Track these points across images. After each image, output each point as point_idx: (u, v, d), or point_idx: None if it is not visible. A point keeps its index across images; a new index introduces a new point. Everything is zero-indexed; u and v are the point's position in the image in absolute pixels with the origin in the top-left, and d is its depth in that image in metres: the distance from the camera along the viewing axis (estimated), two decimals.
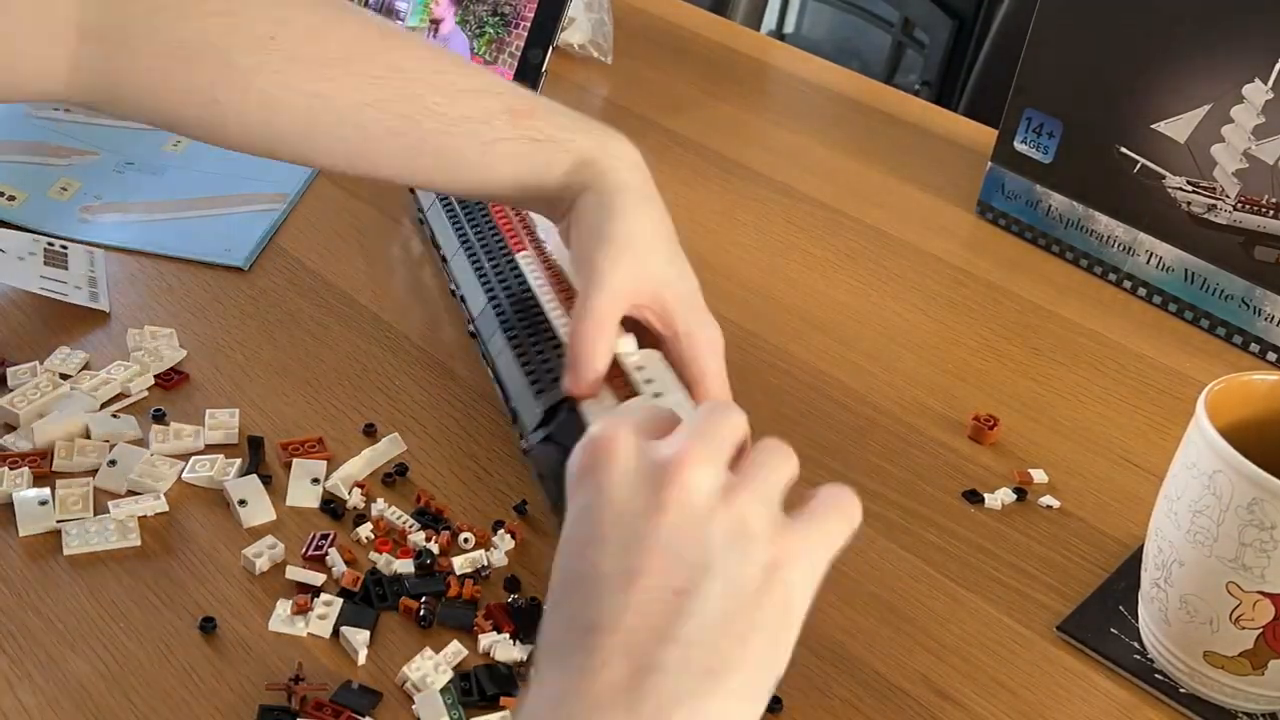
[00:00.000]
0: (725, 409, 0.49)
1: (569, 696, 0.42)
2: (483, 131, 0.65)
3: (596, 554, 0.44)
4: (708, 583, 0.43)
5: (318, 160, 0.67)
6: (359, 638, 0.62)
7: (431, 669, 0.60)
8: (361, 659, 0.61)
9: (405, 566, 0.66)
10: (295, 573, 0.65)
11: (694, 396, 0.62)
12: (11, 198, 0.94)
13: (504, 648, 0.62)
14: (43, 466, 0.70)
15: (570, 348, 0.62)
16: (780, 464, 0.48)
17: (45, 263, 0.85)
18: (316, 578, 0.65)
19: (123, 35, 0.62)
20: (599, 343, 0.62)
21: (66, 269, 0.85)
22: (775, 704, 0.62)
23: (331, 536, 0.67)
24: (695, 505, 0.45)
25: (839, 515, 0.48)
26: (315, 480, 0.71)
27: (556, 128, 0.66)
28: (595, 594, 0.43)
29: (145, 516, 0.68)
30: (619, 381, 0.62)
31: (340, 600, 0.64)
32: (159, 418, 0.75)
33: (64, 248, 0.87)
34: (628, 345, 0.64)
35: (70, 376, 0.76)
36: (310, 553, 0.67)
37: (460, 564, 0.67)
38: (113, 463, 0.70)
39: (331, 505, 0.70)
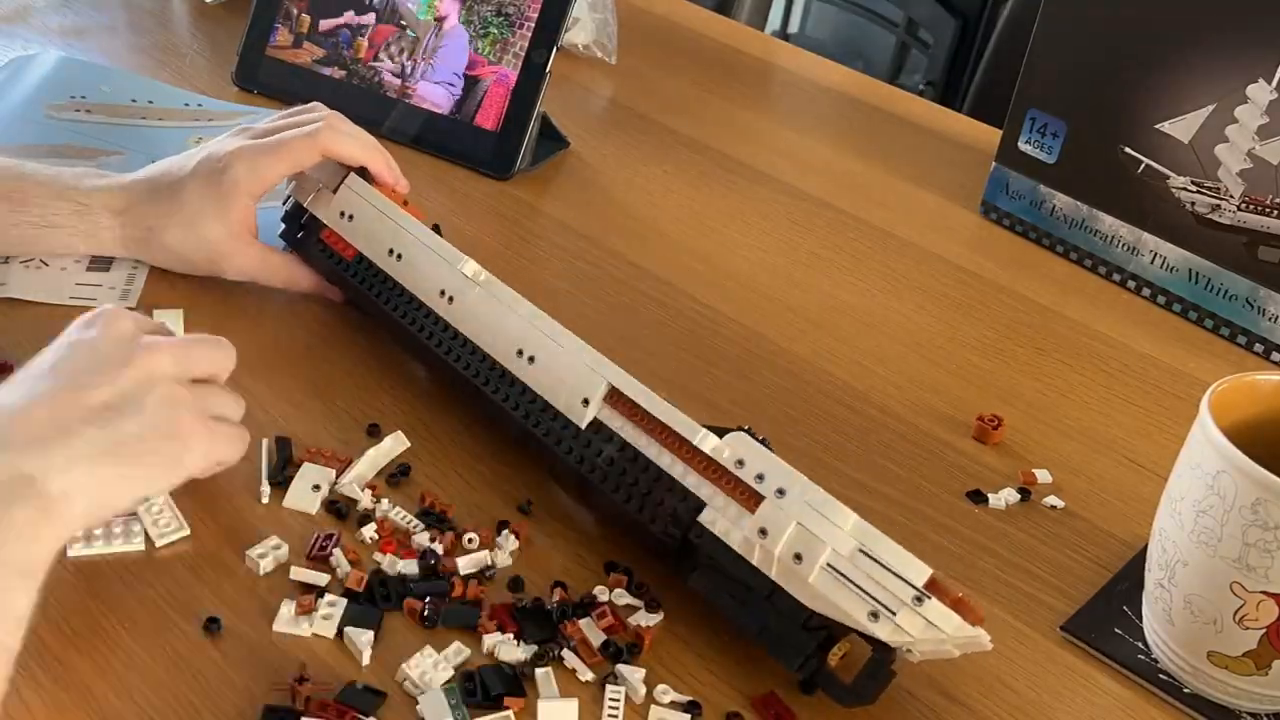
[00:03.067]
0: (216, 344, 0.68)
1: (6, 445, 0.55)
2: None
3: (68, 365, 0.60)
4: (135, 416, 0.59)
5: None
6: (363, 638, 0.62)
7: (431, 666, 0.61)
8: (365, 659, 0.61)
9: (409, 567, 0.66)
10: (299, 573, 0.65)
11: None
12: None
13: (508, 648, 0.62)
14: None
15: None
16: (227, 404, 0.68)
17: (88, 269, 0.86)
18: (320, 578, 0.65)
19: None
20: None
21: (108, 271, 0.86)
22: (810, 688, 0.62)
23: (335, 537, 0.67)
24: (153, 375, 0.61)
25: (229, 441, 0.67)
26: (316, 487, 0.71)
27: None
28: (41, 388, 0.58)
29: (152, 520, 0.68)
30: (715, 474, 0.64)
31: (344, 601, 0.64)
32: None
33: None
34: (711, 441, 0.65)
35: None
36: (314, 553, 0.67)
37: (464, 564, 0.67)
38: None
39: (336, 505, 0.70)
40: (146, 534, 0.67)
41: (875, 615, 0.58)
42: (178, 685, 0.59)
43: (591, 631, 0.64)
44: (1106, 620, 0.68)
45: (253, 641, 0.62)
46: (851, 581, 0.59)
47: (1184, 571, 0.62)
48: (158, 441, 0.60)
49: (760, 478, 0.63)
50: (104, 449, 0.58)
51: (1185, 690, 0.65)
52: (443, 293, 0.76)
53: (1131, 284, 0.99)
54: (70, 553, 0.65)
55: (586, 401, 0.69)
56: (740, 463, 0.64)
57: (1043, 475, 0.78)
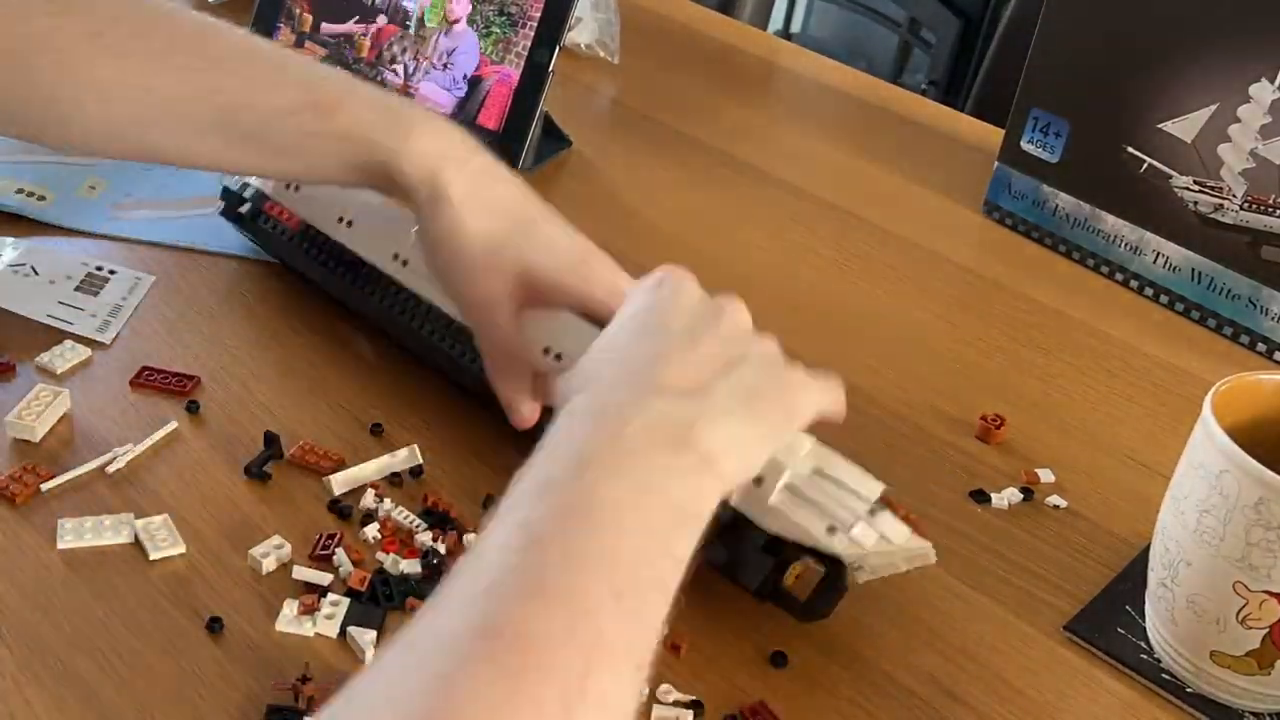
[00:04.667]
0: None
1: (636, 404, 0.50)
2: (292, 125, 0.67)
3: (670, 320, 0.56)
4: (746, 364, 0.56)
5: (157, 152, 0.70)
6: (366, 638, 0.62)
7: None
8: (368, 658, 0.61)
9: (412, 566, 0.66)
10: (302, 573, 0.66)
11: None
12: (41, 198, 0.94)
13: None
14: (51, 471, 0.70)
15: (498, 395, 0.67)
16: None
17: (77, 288, 0.85)
18: (323, 577, 0.65)
19: None
20: (510, 382, 0.67)
21: (96, 296, 0.84)
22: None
23: (338, 536, 0.68)
24: (745, 327, 0.59)
25: (826, 390, 0.62)
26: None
27: (366, 125, 0.67)
28: (665, 342, 0.55)
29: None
30: None
31: (347, 600, 0.64)
32: (192, 409, 0.76)
33: (112, 272, 0.87)
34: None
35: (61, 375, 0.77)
36: (317, 552, 0.67)
37: None
38: None
39: (339, 505, 0.70)
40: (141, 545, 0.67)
41: (832, 529, 0.60)
42: (181, 685, 0.60)
43: None
44: (1109, 620, 0.68)
45: (255, 641, 0.62)
46: (810, 500, 0.61)
47: (1187, 571, 0.62)
48: (773, 393, 0.57)
49: None
50: (738, 403, 0.54)
51: (1188, 690, 0.65)
52: (395, 255, 0.77)
53: (1134, 284, 0.99)
54: (60, 545, 0.65)
55: (548, 350, 0.68)
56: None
57: (1045, 475, 0.78)
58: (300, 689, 0.59)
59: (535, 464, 0.48)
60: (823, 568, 0.63)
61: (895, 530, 0.61)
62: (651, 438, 0.49)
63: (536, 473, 0.47)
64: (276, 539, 0.67)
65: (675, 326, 0.56)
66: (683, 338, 0.56)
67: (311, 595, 0.64)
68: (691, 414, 0.51)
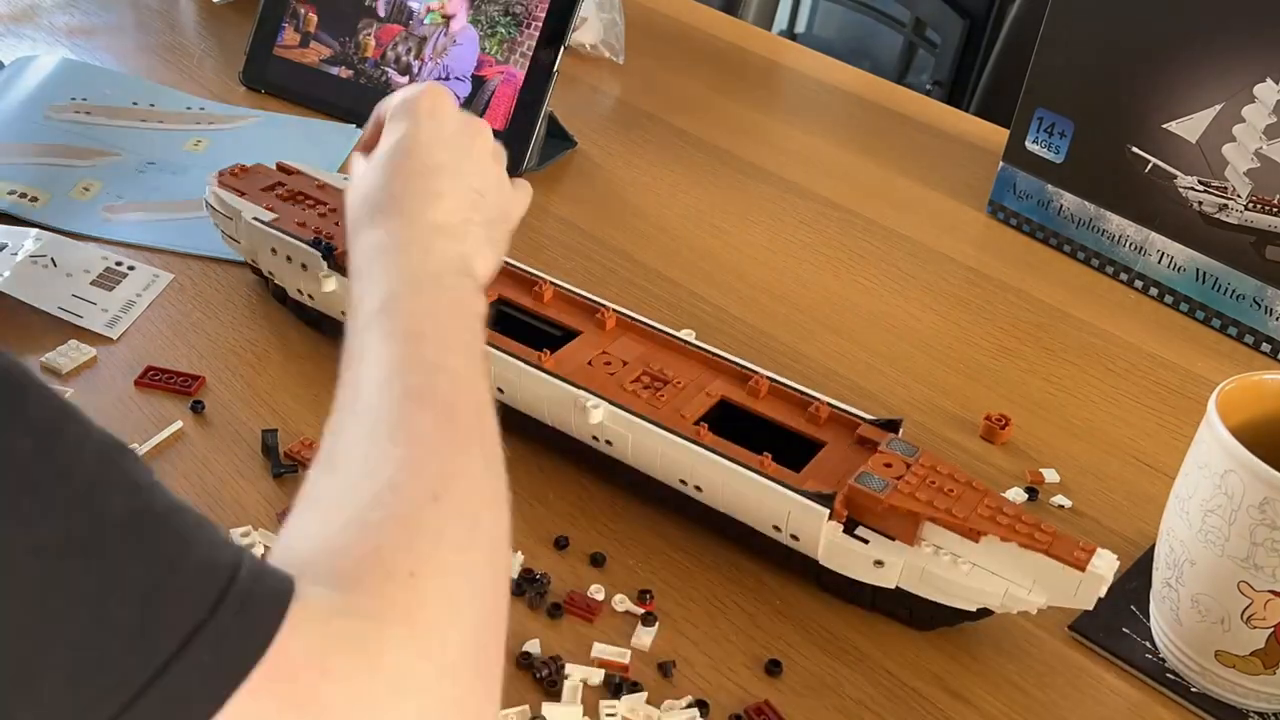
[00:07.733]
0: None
1: (426, 246, 0.59)
2: None
3: (437, 149, 0.63)
4: (489, 193, 0.65)
5: None
6: None
7: None
8: None
9: None
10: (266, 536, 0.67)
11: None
12: (34, 199, 0.94)
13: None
14: None
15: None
16: None
17: (93, 283, 0.85)
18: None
19: None
20: None
21: (111, 291, 0.85)
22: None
23: None
24: (489, 152, 0.67)
25: (525, 196, 0.71)
26: None
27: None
28: (436, 170, 0.62)
29: None
30: None
31: None
32: (197, 409, 0.76)
33: (130, 268, 0.87)
34: None
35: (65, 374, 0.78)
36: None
37: None
38: None
39: None
40: None
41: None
42: None
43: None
44: (1114, 620, 0.68)
45: None
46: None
47: (1191, 571, 0.62)
48: (502, 216, 0.67)
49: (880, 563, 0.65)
50: (487, 233, 0.64)
51: (1193, 689, 0.65)
52: (501, 391, 0.75)
53: (1139, 283, 0.99)
54: None
55: (684, 481, 0.70)
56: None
57: (1050, 474, 0.78)
58: None
59: (363, 292, 0.56)
60: None
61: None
62: (447, 269, 0.59)
63: (372, 298, 0.56)
64: (247, 527, 0.68)
65: (440, 159, 0.63)
66: (449, 176, 0.63)
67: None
68: (466, 251, 0.61)
